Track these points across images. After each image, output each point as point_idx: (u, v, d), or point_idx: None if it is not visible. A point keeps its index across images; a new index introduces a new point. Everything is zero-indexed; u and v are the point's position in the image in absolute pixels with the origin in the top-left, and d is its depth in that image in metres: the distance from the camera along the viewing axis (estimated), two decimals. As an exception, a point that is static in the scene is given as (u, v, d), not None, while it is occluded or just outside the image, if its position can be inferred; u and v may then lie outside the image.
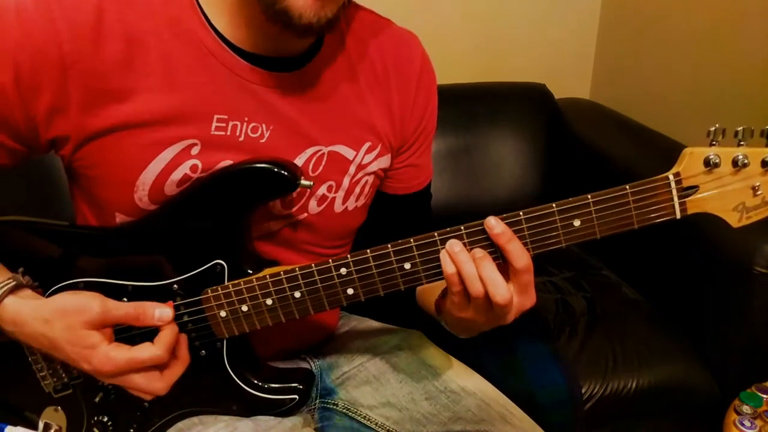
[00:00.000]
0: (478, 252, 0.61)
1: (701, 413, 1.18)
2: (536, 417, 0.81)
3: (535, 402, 1.04)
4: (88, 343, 0.61)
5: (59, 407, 0.72)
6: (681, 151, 0.61)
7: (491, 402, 0.80)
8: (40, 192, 1.12)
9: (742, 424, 1.00)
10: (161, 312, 0.65)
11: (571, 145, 1.61)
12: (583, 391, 1.10)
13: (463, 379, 0.82)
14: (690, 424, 1.22)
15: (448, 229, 0.62)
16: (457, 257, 0.61)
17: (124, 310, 0.64)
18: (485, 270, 0.60)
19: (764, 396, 1.06)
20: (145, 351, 0.62)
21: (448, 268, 0.61)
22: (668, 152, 1.37)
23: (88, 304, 0.62)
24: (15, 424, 0.58)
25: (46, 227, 0.70)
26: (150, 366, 0.63)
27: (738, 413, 1.03)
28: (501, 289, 0.59)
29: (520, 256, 0.60)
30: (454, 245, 0.61)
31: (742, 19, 1.32)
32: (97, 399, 0.71)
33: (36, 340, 0.63)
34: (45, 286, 0.68)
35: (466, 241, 0.62)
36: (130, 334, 0.67)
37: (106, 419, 0.72)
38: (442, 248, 0.62)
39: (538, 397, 1.06)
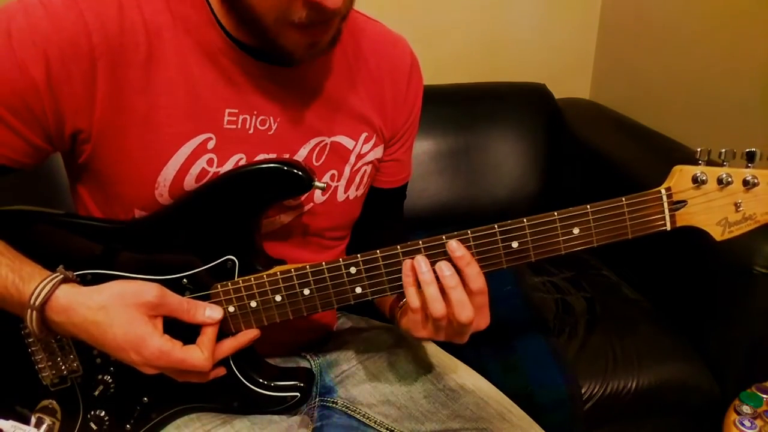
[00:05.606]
0: (446, 270, 0.64)
1: (701, 413, 1.18)
2: (536, 416, 0.81)
3: (535, 401, 1.04)
4: (142, 331, 0.61)
5: (54, 401, 0.71)
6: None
7: (490, 400, 0.80)
8: (38, 189, 1.12)
9: (742, 424, 1.00)
10: (212, 311, 0.66)
11: (571, 145, 1.61)
12: (583, 391, 1.10)
13: (462, 378, 0.82)
14: (690, 424, 1.22)
15: (456, 233, 0.65)
16: (422, 277, 0.64)
17: (177, 300, 0.65)
18: (454, 293, 0.63)
19: (764, 396, 1.05)
20: (197, 356, 0.63)
21: (413, 301, 0.64)
22: (668, 152, 1.39)
23: (146, 288, 0.63)
24: (6, 419, 0.57)
25: (55, 218, 0.70)
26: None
27: (738, 413, 1.03)
28: (467, 310, 0.63)
29: (476, 278, 0.63)
30: (422, 264, 0.64)
31: (742, 18, 1.32)
32: (96, 392, 0.71)
33: (84, 330, 0.62)
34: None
35: (472, 243, 0.65)
36: None
37: (102, 414, 0.72)
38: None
39: (537, 397, 1.06)
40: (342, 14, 0.61)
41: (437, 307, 0.63)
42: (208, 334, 0.66)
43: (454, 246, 0.64)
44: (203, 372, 0.65)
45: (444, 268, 0.64)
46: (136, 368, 0.63)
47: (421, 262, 0.64)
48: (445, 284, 0.63)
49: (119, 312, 0.61)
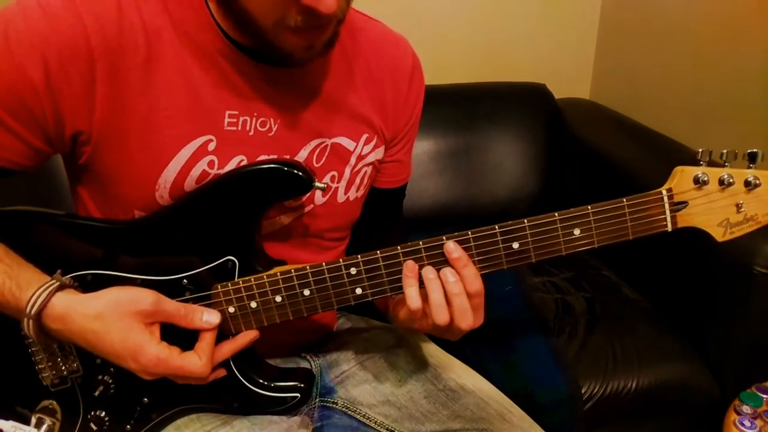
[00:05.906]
0: (451, 276, 0.64)
1: (701, 413, 1.18)
2: (536, 416, 0.81)
3: (535, 401, 1.04)
4: (139, 339, 0.61)
5: (54, 401, 0.72)
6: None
7: (490, 400, 0.80)
8: (38, 190, 1.12)
9: (742, 424, 1.00)
10: (209, 316, 0.66)
11: (571, 145, 1.61)
12: (583, 391, 1.10)
13: (462, 378, 0.82)
14: (690, 424, 1.22)
15: (456, 233, 0.65)
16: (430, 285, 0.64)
17: (174, 306, 0.65)
18: (457, 299, 0.63)
19: (764, 396, 1.05)
20: (195, 363, 0.63)
21: (413, 302, 0.64)
22: (668, 153, 1.38)
23: (141, 295, 0.63)
24: (6, 419, 0.57)
25: (55, 218, 0.70)
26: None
27: (738, 413, 1.03)
28: (468, 317, 0.64)
29: (473, 280, 0.63)
30: (429, 271, 0.64)
31: (742, 18, 1.32)
32: (96, 393, 0.71)
33: (82, 337, 0.62)
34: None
35: (472, 244, 0.64)
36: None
37: (103, 414, 0.72)
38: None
39: (537, 397, 1.06)
40: (338, 18, 0.61)
41: (442, 315, 0.63)
42: (206, 339, 0.66)
43: (451, 247, 0.64)
44: (202, 377, 0.65)
45: (449, 274, 0.64)
46: (135, 374, 0.63)
47: (429, 268, 0.64)
48: (449, 290, 0.63)
49: (115, 320, 0.61)
